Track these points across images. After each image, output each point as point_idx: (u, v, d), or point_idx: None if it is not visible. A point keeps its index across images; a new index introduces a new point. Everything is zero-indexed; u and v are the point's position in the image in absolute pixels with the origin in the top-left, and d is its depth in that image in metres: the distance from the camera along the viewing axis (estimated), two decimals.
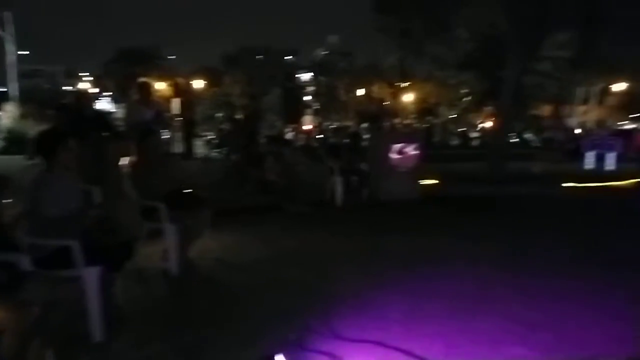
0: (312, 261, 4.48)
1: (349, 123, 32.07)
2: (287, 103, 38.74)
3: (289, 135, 23.61)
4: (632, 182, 8.03)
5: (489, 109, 21.09)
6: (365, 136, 10.20)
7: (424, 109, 34.01)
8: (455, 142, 23.86)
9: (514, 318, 3.08)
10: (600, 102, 31.69)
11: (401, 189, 7.41)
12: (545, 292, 3.59)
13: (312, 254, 4.73)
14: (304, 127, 29.57)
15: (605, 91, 31.06)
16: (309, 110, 41.21)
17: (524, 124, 23.78)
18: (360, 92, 36.92)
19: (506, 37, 10.94)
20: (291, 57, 52.26)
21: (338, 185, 7.30)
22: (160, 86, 24.70)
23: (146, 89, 6.06)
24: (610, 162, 9.02)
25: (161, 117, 6.16)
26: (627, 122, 32.36)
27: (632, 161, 9.66)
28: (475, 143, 22.97)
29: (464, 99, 26.44)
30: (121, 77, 33.95)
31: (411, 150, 7.74)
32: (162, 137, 6.30)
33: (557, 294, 3.55)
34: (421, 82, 31.45)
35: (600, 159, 8.98)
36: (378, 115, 27.89)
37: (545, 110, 27.05)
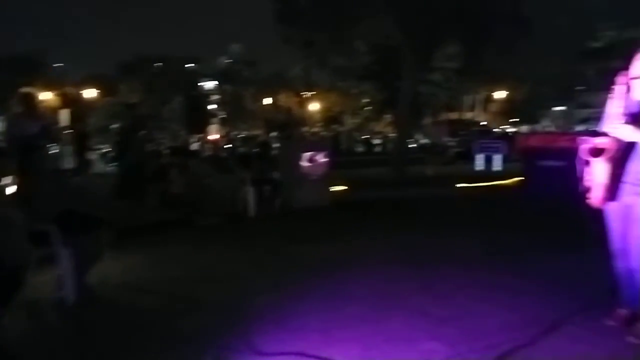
0: (226, 277, 4.37)
1: (257, 132, 31.99)
2: (191, 112, 37.57)
3: (195, 145, 22.92)
4: (515, 181, 9.00)
5: (388, 117, 22.45)
6: (275, 145, 10.28)
7: (329, 118, 35.07)
8: (360, 149, 24.94)
9: (424, 314, 3.30)
10: (485, 109, 35.08)
11: (313, 197, 7.58)
12: (449, 286, 3.89)
13: (227, 269, 4.63)
14: (211, 137, 28.89)
15: (489, 99, 34.48)
16: (215, 120, 40.35)
17: (421, 130, 25.61)
18: (267, 101, 37.05)
19: (400, 50, 11.73)
20: (193, 65, 50.82)
21: (250, 196, 7.28)
22: (46, 96, 22.61)
23: (30, 100, 5.48)
24: (497, 163, 10.06)
25: (48, 130, 5.63)
26: (507, 126, 36.11)
27: (515, 162, 10.94)
28: (378, 149, 24.19)
29: (366, 108, 27.85)
30: None
31: (320, 158, 7.96)
32: (50, 152, 5.76)
33: (460, 288, 3.87)
34: (326, 91, 32.45)
35: (488, 160, 10.01)
36: (286, 123, 28.18)
37: (436, 116, 29.34)
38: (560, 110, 37.99)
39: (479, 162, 10.26)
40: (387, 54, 13.35)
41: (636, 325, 2.91)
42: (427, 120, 27.26)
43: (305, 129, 31.39)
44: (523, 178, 7.72)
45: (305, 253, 5.08)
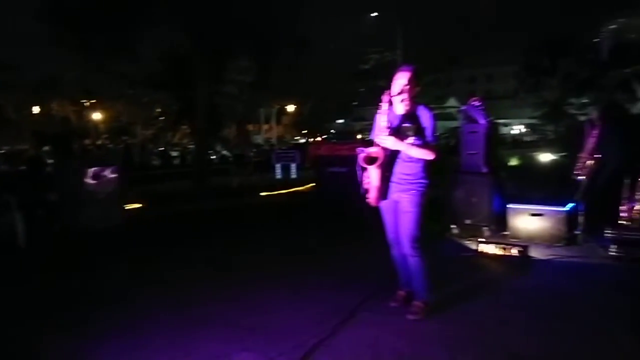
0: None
1: (24, 147, 27.08)
2: None
3: None
4: (310, 186, 9.82)
5: (185, 127, 21.71)
6: (50, 161, 8.86)
7: (117, 129, 32.03)
8: (156, 162, 23.46)
9: (233, 325, 3.25)
10: (279, 121, 37.17)
11: (101, 217, 6.76)
12: (255, 293, 3.92)
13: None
14: None
15: (281, 112, 36.65)
16: None
17: (221, 142, 25.57)
18: (36, 109, 31.79)
19: (192, 60, 11.48)
20: None
21: (18, 223, 6.05)
22: None
23: None
24: (294, 171, 10.85)
25: None
26: (300, 137, 38.99)
27: (308, 169, 11.99)
28: (176, 162, 23.12)
29: (160, 118, 26.38)
30: None
31: (108, 173, 7.17)
32: None
33: (265, 292, 3.93)
34: (111, 100, 29.56)
35: (286, 169, 10.72)
36: (63, 136, 24.58)
37: (234, 129, 29.82)
38: (341, 123, 42.89)
39: (278, 171, 10.90)
40: (179, 63, 12.89)
41: (413, 303, 3.39)
42: (228, 132, 27.42)
43: (87, 141, 27.98)
44: (315, 184, 8.40)
45: (90, 282, 4.45)
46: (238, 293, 3.94)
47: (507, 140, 27.61)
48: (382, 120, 3.21)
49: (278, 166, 10.20)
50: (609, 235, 4.66)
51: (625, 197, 5.15)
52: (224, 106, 18.04)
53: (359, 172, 3.30)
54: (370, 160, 3.19)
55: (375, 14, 31.44)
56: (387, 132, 3.17)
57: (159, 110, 26.01)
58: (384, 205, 3.37)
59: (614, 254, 4.58)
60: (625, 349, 2.86)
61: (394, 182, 3.28)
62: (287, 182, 10.69)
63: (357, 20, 33.51)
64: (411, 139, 3.17)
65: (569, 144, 7.36)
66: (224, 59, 12.40)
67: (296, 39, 12.11)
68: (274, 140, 34.49)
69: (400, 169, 3.26)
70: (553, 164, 9.84)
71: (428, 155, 3.20)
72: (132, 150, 23.20)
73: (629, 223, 5.06)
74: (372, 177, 3.23)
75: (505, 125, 31.69)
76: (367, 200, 3.30)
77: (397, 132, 3.19)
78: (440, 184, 6.21)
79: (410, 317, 3.31)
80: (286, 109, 36.59)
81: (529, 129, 31.56)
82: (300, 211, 8.06)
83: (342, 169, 7.35)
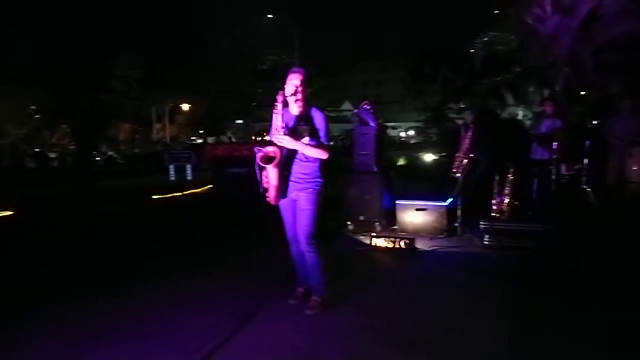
0: None
1: None
2: None
3: None
4: (207, 188, 9.39)
5: (65, 127, 19.71)
6: None
7: None
8: (31, 164, 20.99)
9: (125, 341, 3.10)
10: (172, 120, 35.52)
11: None
12: (151, 301, 3.74)
13: None
14: None
15: (176, 110, 35.09)
16: None
17: (108, 142, 23.68)
18: None
19: (75, 53, 10.56)
20: None
21: None
22: None
23: None
24: (189, 172, 10.30)
25: None
26: (196, 138, 37.65)
27: (204, 170, 11.46)
28: (55, 164, 20.97)
29: (36, 116, 23.70)
30: None
31: None
32: None
33: (162, 300, 3.77)
34: None
35: (180, 170, 10.12)
36: None
37: (125, 128, 27.92)
38: (240, 123, 42.33)
39: (172, 172, 10.28)
40: (59, 56, 11.72)
41: (311, 299, 3.50)
42: (115, 131, 25.57)
43: None
44: (213, 185, 8.13)
45: None
46: (131, 302, 3.73)
47: (395, 142, 29.52)
48: (277, 120, 3.26)
49: (172, 167, 9.63)
50: (483, 226, 5.22)
51: (495, 192, 5.82)
52: (111, 103, 16.81)
53: (257, 172, 3.32)
54: (268, 159, 3.23)
55: (271, 16, 31.61)
56: (283, 132, 3.23)
57: (33, 107, 23.37)
58: (283, 204, 3.43)
59: (487, 243, 5.13)
60: (493, 324, 3.25)
61: (292, 181, 3.35)
62: (182, 184, 10.14)
63: (256, 21, 33.31)
64: (306, 139, 3.27)
65: (448, 145, 8.11)
66: (111, 54, 11.59)
67: (186, 37, 11.71)
68: (167, 140, 32.92)
69: (297, 169, 3.35)
70: (435, 163, 10.72)
71: (322, 154, 3.33)
72: (1, 151, 20.59)
73: (499, 215, 5.73)
74: (270, 176, 3.28)
75: (394, 128, 33.78)
76: (266, 199, 3.34)
77: (292, 132, 3.27)
78: (336, 183, 6.49)
79: (308, 312, 3.41)
80: (181, 107, 35.14)
81: (415, 132, 33.96)
82: (196, 214, 7.80)
83: (241, 170, 7.24)
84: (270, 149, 3.24)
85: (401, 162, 13.08)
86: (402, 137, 35.68)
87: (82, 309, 3.62)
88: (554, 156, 6.45)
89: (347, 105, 39.57)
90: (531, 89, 10.12)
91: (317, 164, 3.38)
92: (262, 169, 3.28)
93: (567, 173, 7.55)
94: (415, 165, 12.28)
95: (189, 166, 9.62)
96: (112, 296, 3.88)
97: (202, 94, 34.20)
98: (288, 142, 3.23)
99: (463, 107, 17.35)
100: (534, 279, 4.14)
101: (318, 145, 3.30)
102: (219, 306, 3.60)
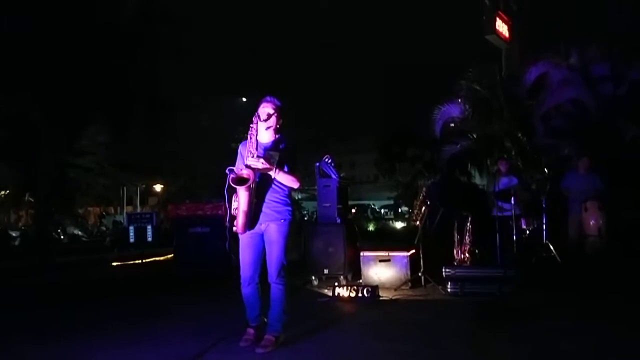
0: None
1: None
2: None
3: None
4: (168, 249, 8.86)
5: (29, 203, 19.17)
6: None
7: None
8: None
9: None
10: (144, 202, 35.05)
11: None
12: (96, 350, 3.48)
13: None
14: None
15: (148, 192, 34.76)
16: None
17: (72, 219, 23.03)
18: None
19: (39, 127, 10.45)
20: None
21: None
22: None
23: None
24: (149, 234, 9.65)
25: None
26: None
27: (167, 230, 11.01)
28: (17, 243, 20.05)
29: (1, 193, 23.06)
30: None
31: None
32: None
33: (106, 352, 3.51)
34: None
35: (141, 232, 9.51)
36: None
37: (94, 211, 27.41)
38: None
39: (132, 234, 9.79)
40: (24, 130, 11.55)
41: (265, 337, 3.31)
42: (85, 211, 25.00)
43: None
44: (175, 246, 7.85)
45: None
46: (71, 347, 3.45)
47: (369, 216, 29.84)
48: (251, 145, 3.21)
49: (132, 228, 9.23)
50: (446, 274, 5.18)
51: (456, 240, 5.86)
52: (80, 181, 16.48)
53: (227, 197, 3.23)
54: (241, 180, 3.13)
55: (245, 99, 32.89)
56: (255, 155, 3.17)
57: None
58: (246, 240, 3.30)
59: (450, 290, 5.06)
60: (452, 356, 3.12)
61: (262, 211, 3.25)
62: (143, 248, 9.58)
63: (229, 101, 34.52)
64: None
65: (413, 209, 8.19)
66: (79, 128, 11.54)
67: (157, 100, 11.82)
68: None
69: (268, 196, 3.27)
70: (404, 230, 10.80)
71: (293, 183, 3.30)
72: None
73: (461, 262, 5.73)
74: (240, 200, 3.15)
75: (368, 205, 34.25)
76: (234, 228, 3.20)
77: (264, 158, 3.19)
78: (300, 237, 6.43)
79: (260, 350, 3.21)
80: (154, 188, 34.91)
81: (386, 209, 34.39)
82: (155, 279, 7.46)
83: (204, 229, 7.11)
84: (244, 172, 3.15)
85: (371, 227, 13.14)
86: (375, 212, 36.11)
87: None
88: (513, 212, 6.63)
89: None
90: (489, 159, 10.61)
91: (287, 192, 3.34)
92: (231, 193, 3.18)
93: (527, 228, 7.73)
94: (384, 229, 12.33)
95: (149, 227, 9.20)
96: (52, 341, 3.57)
97: (173, 175, 34.24)
98: (262, 165, 3.15)
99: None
100: (493, 316, 4.11)
101: (290, 172, 3.28)
102: (166, 350, 3.36)
